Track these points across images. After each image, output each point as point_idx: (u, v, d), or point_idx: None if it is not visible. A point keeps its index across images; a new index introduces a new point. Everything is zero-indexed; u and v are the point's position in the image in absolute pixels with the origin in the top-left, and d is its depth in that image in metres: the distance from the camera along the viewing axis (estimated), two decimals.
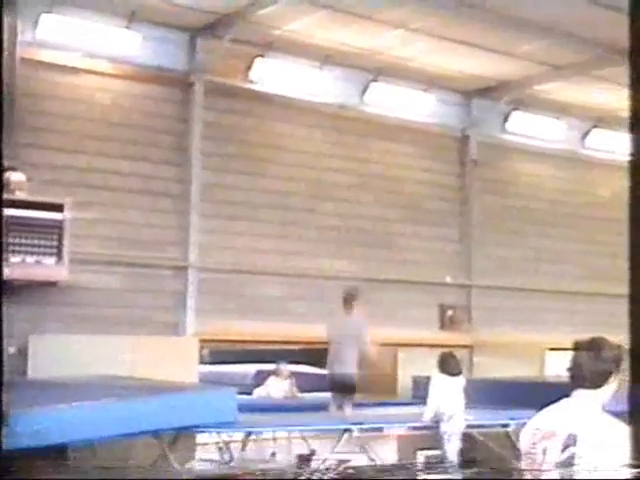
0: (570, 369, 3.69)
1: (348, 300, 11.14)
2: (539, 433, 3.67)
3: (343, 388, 11.22)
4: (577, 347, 3.70)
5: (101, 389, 9.34)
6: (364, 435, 10.45)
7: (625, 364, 3.66)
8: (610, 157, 18.19)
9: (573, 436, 3.53)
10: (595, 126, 17.87)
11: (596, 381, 3.62)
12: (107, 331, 12.18)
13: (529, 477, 3.66)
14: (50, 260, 11.12)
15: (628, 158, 3.81)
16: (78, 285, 11.89)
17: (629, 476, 3.36)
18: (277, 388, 14.82)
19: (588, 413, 3.59)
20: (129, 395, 9.02)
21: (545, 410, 3.75)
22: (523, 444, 3.74)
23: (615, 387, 3.66)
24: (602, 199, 17.99)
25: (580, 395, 3.65)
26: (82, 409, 8.10)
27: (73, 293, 11.93)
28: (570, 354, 3.72)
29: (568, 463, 3.49)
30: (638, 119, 3.54)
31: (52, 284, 11.58)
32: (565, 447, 3.54)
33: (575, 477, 3.47)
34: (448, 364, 10.93)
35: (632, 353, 3.70)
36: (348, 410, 11.12)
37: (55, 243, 11.15)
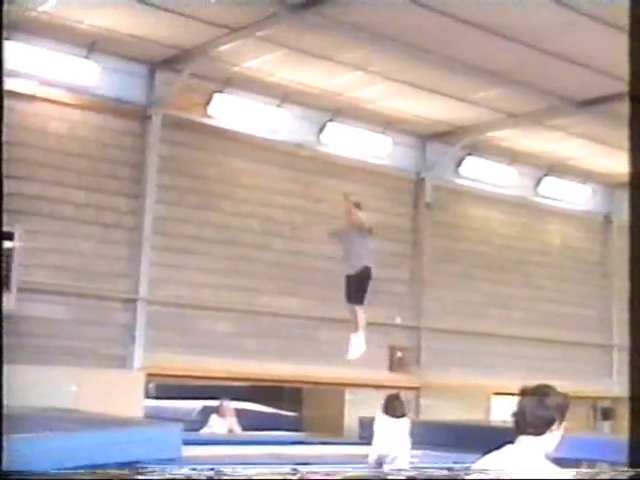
0: (514, 415, 3.71)
1: None
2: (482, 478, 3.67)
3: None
4: (522, 393, 3.72)
5: (42, 421, 9.18)
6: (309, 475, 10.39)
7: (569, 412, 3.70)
8: (560, 205, 18.49)
9: None
10: (546, 174, 18.13)
11: (539, 428, 3.64)
12: (53, 362, 12.00)
13: None
14: None
15: (629, 220, 3.85)
16: (25, 315, 11.72)
17: None
18: (220, 426, 14.67)
19: (530, 460, 3.60)
20: (71, 428, 8.89)
21: (488, 456, 3.76)
22: None
23: (560, 435, 3.68)
24: (551, 246, 18.25)
25: (523, 441, 3.66)
26: (21, 441, 7.95)
27: (20, 323, 11.73)
28: (515, 399, 3.74)
29: None
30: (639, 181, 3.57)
31: None
32: None
33: None
34: (393, 406, 10.93)
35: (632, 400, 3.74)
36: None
37: (3, 272, 11.00)
